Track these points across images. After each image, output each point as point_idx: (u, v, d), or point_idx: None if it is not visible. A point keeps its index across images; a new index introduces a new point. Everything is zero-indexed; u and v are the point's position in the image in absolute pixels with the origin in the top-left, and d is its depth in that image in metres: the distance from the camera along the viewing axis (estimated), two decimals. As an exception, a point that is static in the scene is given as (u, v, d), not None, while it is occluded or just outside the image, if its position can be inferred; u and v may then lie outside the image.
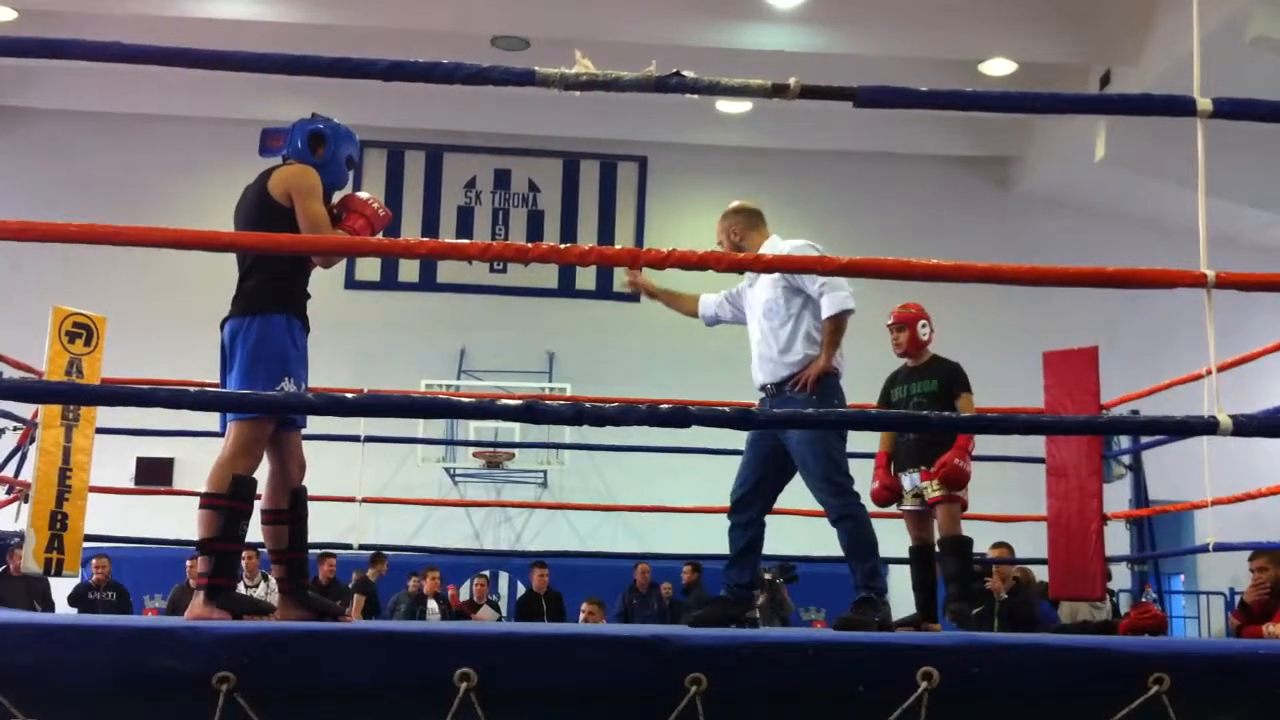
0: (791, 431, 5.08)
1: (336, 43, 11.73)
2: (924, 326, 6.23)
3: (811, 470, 5.11)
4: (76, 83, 14.56)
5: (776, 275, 5.05)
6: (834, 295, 5.09)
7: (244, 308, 4.26)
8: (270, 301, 4.25)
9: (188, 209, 14.90)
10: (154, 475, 13.91)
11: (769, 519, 5.62)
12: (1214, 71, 3.64)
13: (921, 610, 6.06)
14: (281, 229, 4.14)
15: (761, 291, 5.23)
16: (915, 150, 16.15)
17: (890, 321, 6.28)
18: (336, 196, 4.53)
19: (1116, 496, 6.92)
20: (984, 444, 5.96)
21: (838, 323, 5.18)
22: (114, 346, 7.05)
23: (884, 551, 5.27)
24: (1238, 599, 8.08)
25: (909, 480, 6.07)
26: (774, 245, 5.19)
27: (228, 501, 4.07)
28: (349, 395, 3.45)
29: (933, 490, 5.92)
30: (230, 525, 4.07)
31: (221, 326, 4.36)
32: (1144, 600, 8.35)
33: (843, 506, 5.08)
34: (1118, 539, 7.63)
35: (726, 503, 6.00)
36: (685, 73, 3.30)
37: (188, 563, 5.02)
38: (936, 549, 6.04)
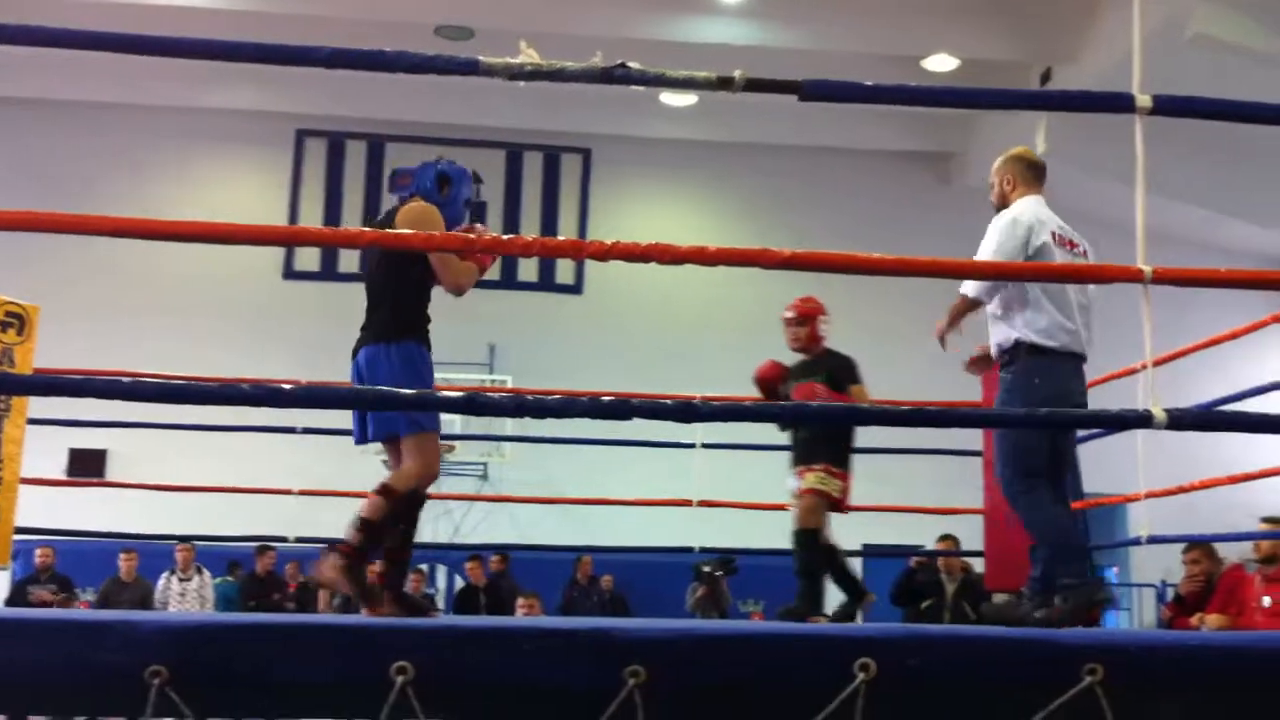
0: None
1: (280, 30, 11.61)
2: (823, 321, 6.22)
3: (997, 453, 4.70)
4: (15, 69, 14.32)
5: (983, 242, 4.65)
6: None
7: (381, 335, 4.55)
8: (406, 329, 4.56)
9: (127, 197, 14.74)
10: (87, 467, 13.73)
11: (706, 512, 5.64)
12: (1154, 69, 3.67)
13: (849, 599, 6.22)
14: (410, 265, 4.51)
15: None
16: (860, 145, 16.25)
17: (790, 315, 6.24)
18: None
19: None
20: (924, 438, 5.98)
21: (957, 303, 4.79)
22: (47, 336, 6.94)
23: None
24: (1170, 591, 8.21)
25: (792, 481, 6.16)
26: (1031, 205, 4.73)
27: (398, 498, 4.46)
28: (288, 386, 3.41)
29: (804, 484, 6.02)
30: (392, 518, 4.46)
31: (354, 354, 4.64)
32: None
33: (1012, 495, 4.57)
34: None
35: (670, 495, 6.03)
36: (630, 64, 3.29)
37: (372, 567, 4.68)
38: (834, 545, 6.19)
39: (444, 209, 4.65)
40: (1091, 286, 4.69)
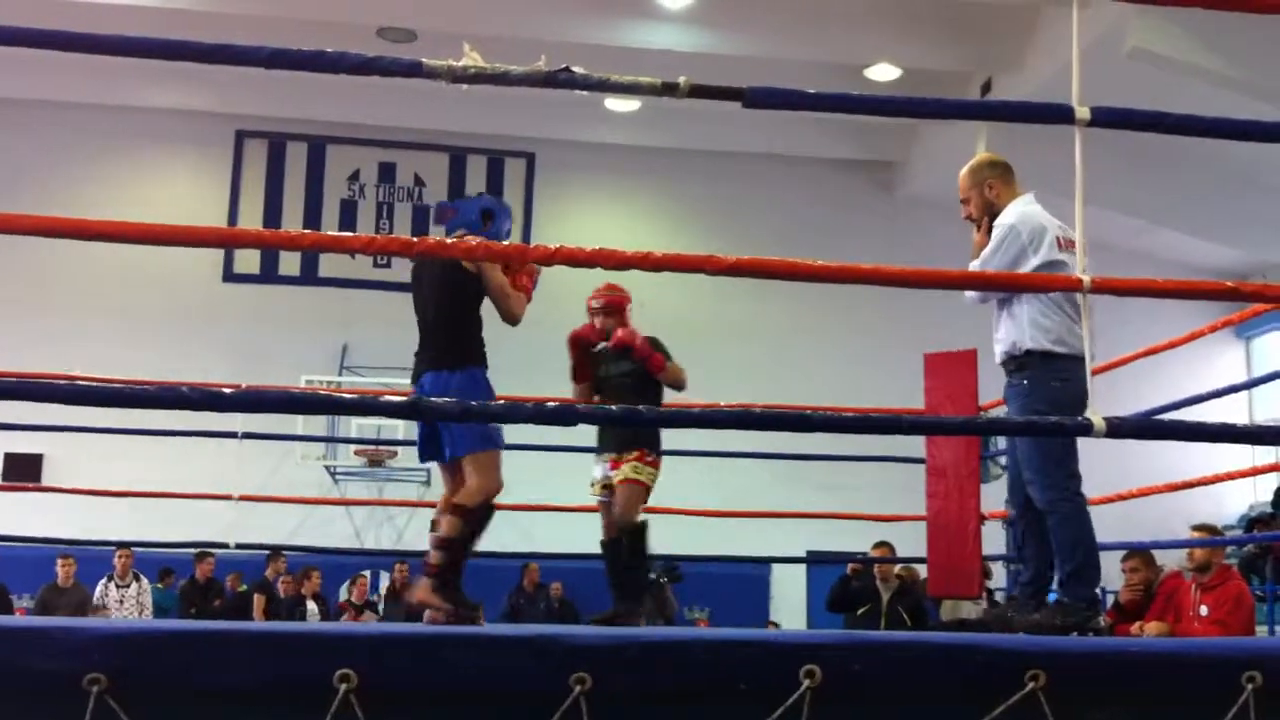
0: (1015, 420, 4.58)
1: (220, 29, 11.49)
2: (630, 310, 6.15)
3: (1026, 459, 4.57)
4: (-56, 64, 14.08)
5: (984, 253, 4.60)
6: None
7: (444, 361, 4.83)
8: (468, 355, 4.88)
9: (63, 195, 14.53)
10: (22, 471, 13.53)
11: (651, 519, 5.60)
12: (1092, 81, 3.72)
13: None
14: (470, 295, 4.86)
15: None
16: (803, 152, 16.35)
17: (598, 304, 6.09)
18: None
19: (994, 496, 7.05)
20: (866, 444, 6.01)
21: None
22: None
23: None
24: (1110, 598, 8.30)
25: (600, 469, 5.99)
26: (1013, 207, 4.66)
27: (474, 516, 4.73)
28: (226, 390, 3.37)
29: (618, 476, 5.88)
30: (470, 535, 4.74)
31: (415, 378, 4.90)
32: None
33: (1049, 502, 4.48)
34: (995, 538, 7.77)
35: (588, 500, 5.98)
36: (574, 69, 3.29)
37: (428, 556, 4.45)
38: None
39: (492, 239, 4.92)
40: None
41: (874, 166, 16.74)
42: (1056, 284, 3.59)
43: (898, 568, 9.08)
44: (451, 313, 4.88)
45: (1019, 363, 4.55)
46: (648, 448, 5.93)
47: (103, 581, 11.05)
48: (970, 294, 4.68)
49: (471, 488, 4.74)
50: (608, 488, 5.94)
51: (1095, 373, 3.65)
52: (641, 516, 5.92)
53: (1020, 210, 4.60)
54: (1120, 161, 12.56)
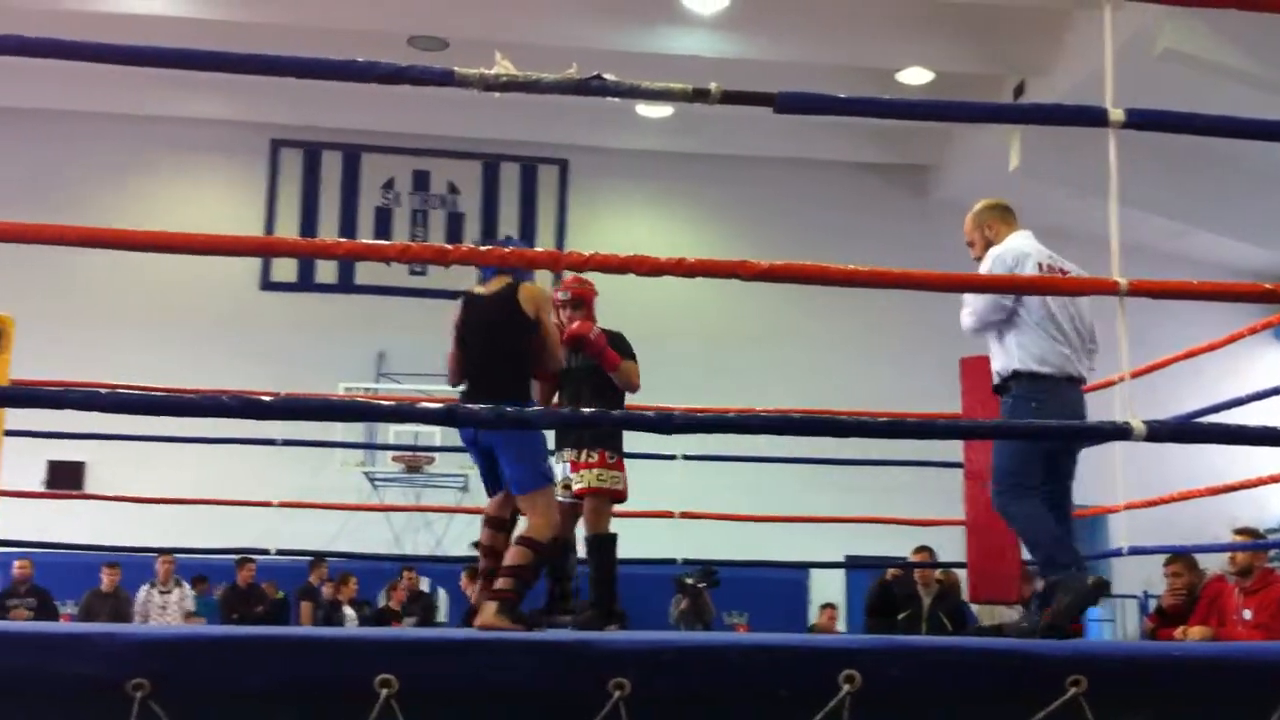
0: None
1: (253, 40, 11.59)
2: (596, 304, 6.01)
3: (993, 462, 4.83)
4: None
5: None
6: (963, 311, 4.88)
7: (497, 396, 4.81)
8: (522, 390, 5.04)
9: (101, 206, 14.68)
10: (66, 479, 13.64)
11: (688, 524, 5.58)
12: (1125, 83, 3.71)
13: (550, 604, 5.85)
14: (526, 338, 5.01)
15: None
16: (834, 157, 16.31)
17: (565, 297, 5.93)
18: None
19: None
20: (903, 448, 5.99)
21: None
22: (23, 347, 6.89)
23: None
24: (1153, 602, 8.24)
25: (560, 468, 5.83)
26: (1006, 243, 4.95)
27: (544, 549, 4.92)
28: (265, 398, 3.40)
29: (580, 482, 5.75)
30: (536, 566, 4.92)
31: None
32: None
33: (999, 508, 4.75)
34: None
35: (651, 506, 5.96)
36: (606, 76, 3.30)
37: (496, 582, 4.47)
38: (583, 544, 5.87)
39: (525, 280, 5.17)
40: (1087, 311, 4.84)
41: (906, 171, 16.68)
42: (1089, 287, 3.57)
43: (938, 572, 9.05)
44: (502, 350, 5.00)
45: (1006, 384, 4.79)
46: (608, 448, 5.80)
47: (145, 588, 11.15)
48: (967, 323, 4.87)
49: (538, 525, 4.90)
50: (567, 488, 5.80)
51: (1134, 375, 3.63)
52: (612, 528, 5.81)
53: (1007, 242, 4.89)
54: (1155, 163, 12.48)
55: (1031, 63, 13.30)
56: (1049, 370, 4.66)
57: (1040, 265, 4.77)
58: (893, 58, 13.68)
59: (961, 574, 8.27)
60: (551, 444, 5.72)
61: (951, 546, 8.22)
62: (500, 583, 4.84)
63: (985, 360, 7.06)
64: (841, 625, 13.60)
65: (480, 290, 5.16)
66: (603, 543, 5.78)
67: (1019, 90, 13.64)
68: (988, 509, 6.85)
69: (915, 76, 13.91)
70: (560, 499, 5.66)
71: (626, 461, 5.93)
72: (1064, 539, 4.65)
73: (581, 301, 5.92)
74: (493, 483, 5.15)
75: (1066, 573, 4.47)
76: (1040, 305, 4.68)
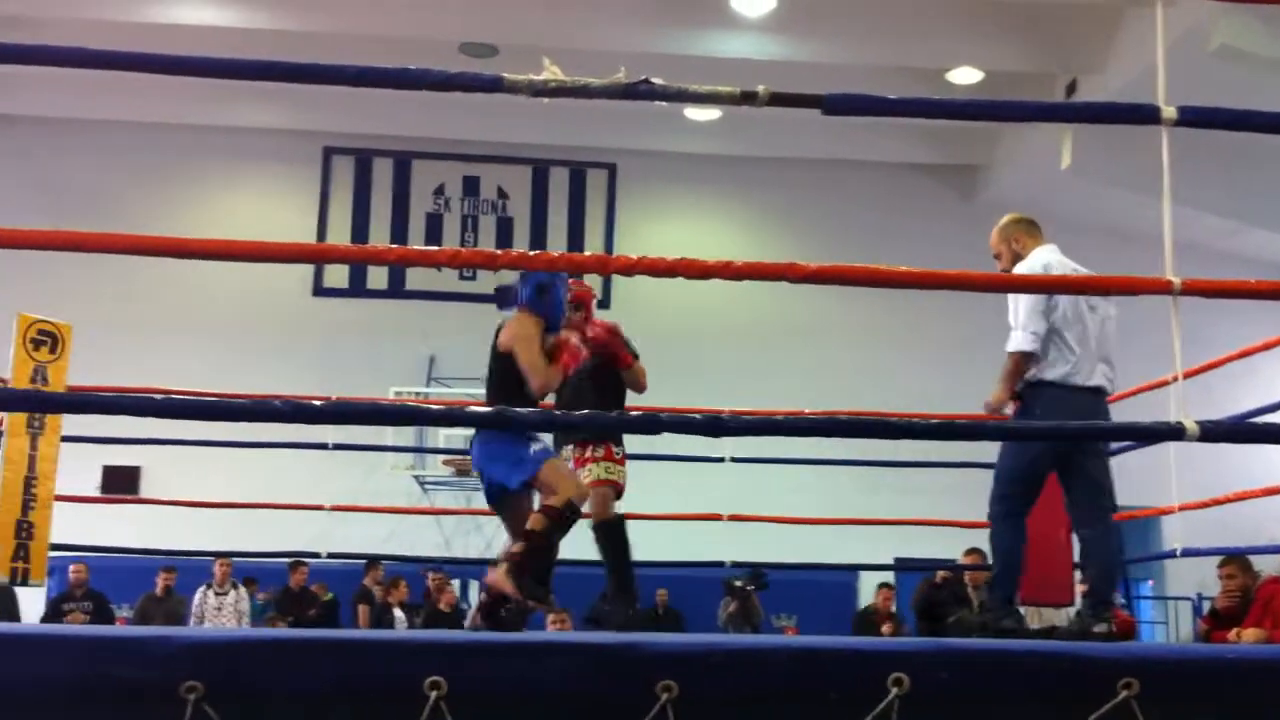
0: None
1: (304, 48, 11.69)
2: (592, 305, 6.01)
3: (996, 472, 5.06)
4: (45, 89, 14.43)
5: (1009, 296, 5.01)
6: (1014, 333, 4.92)
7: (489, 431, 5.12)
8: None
9: (155, 215, 14.85)
10: (121, 484, 13.80)
11: (736, 527, 5.56)
12: (1177, 80, 3.67)
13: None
14: (511, 374, 5.15)
15: None
16: (883, 158, 16.24)
17: (567, 298, 5.75)
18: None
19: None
20: (952, 450, 5.96)
21: (1012, 360, 4.94)
22: (80, 354, 7.00)
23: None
24: (1206, 604, 8.14)
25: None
26: (1031, 258, 5.05)
27: (558, 515, 4.95)
28: (317, 402, 3.43)
29: (587, 476, 5.78)
30: (551, 531, 4.95)
31: (470, 444, 5.27)
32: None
33: (989, 514, 5.04)
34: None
35: (699, 509, 5.97)
36: (654, 80, 3.31)
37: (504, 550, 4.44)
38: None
39: (548, 310, 5.28)
40: (1112, 319, 4.93)
41: (955, 171, 16.57)
42: (1142, 286, 3.53)
43: (989, 575, 8.98)
44: (496, 381, 5.23)
45: (1019, 393, 4.93)
46: (613, 442, 5.89)
47: (201, 589, 11.26)
48: (1025, 343, 4.83)
49: (562, 488, 4.97)
50: None
51: (1187, 376, 3.60)
52: (617, 509, 5.88)
53: (1034, 256, 4.99)
54: (1209, 161, 12.31)
55: (1083, 61, 13.17)
56: (1055, 377, 4.79)
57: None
58: (942, 57, 13.60)
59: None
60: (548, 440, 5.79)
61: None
62: (515, 547, 4.99)
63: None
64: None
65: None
66: (611, 527, 5.88)
67: (1070, 88, 13.52)
68: (1040, 512, 6.82)
69: (965, 76, 13.82)
70: None
71: (677, 464, 5.95)
72: (1017, 568, 5.00)
73: (580, 303, 5.91)
74: (492, 496, 5.25)
75: (1000, 609, 4.91)
76: (1074, 318, 4.79)
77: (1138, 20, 12.21)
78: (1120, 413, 5.29)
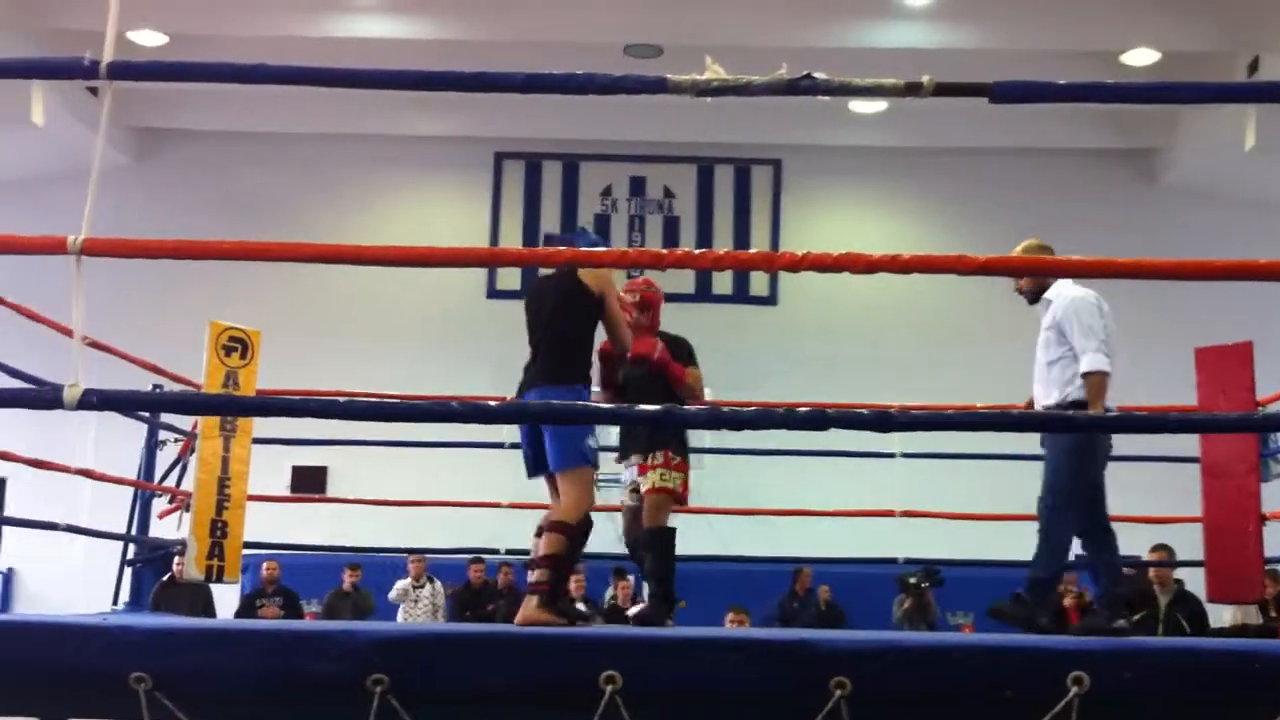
0: (1047, 439, 5.21)
1: (471, 57, 11.92)
2: (660, 308, 5.82)
3: (1045, 479, 5.19)
4: (223, 103, 15.01)
5: (1050, 314, 5.19)
6: (1090, 356, 5.07)
7: (549, 378, 4.90)
8: (574, 373, 4.94)
9: (331, 223, 15.32)
10: (309, 483, 14.23)
11: (915, 523, 5.52)
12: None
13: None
14: (592, 316, 4.99)
15: (1042, 323, 5.32)
16: (1056, 145, 15.83)
17: (634, 299, 5.73)
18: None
19: (1275, 496, 6.69)
20: (1136, 444, 5.80)
21: (1093, 382, 5.08)
22: (268, 359, 7.27)
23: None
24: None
25: (628, 474, 5.84)
26: (1064, 288, 5.22)
27: (575, 532, 4.82)
28: (493, 404, 3.52)
29: (646, 484, 5.71)
30: (571, 550, 4.84)
31: (521, 392, 5.02)
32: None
33: (1044, 523, 5.16)
34: (1278, 540, 7.36)
35: (870, 505, 5.94)
36: (816, 74, 3.29)
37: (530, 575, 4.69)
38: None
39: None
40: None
41: (1133, 155, 16.05)
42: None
43: (1175, 572, 8.71)
44: (569, 331, 4.99)
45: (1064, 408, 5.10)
46: (672, 449, 5.78)
47: (400, 582, 11.51)
48: (1104, 363, 5.07)
49: (568, 504, 4.82)
50: (635, 491, 5.83)
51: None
52: (671, 522, 5.81)
53: (1069, 285, 5.20)
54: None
55: (1265, 38, 12.64)
56: (1085, 397, 5.04)
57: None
58: (1116, 39, 13.20)
59: (1200, 573, 7.95)
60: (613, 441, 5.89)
61: (1190, 545, 7.89)
62: (536, 575, 4.77)
63: (1222, 350, 6.84)
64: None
65: (545, 271, 5.28)
66: (662, 535, 5.79)
67: (1253, 67, 13.00)
68: (1227, 506, 6.61)
69: (1141, 58, 13.39)
70: (628, 503, 5.89)
71: (847, 461, 5.91)
72: (1059, 572, 5.28)
73: (648, 305, 5.77)
74: (533, 460, 5.05)
75: (1034, 601, 5.14)
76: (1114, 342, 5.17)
77: (1325, -8, 11.69)
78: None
